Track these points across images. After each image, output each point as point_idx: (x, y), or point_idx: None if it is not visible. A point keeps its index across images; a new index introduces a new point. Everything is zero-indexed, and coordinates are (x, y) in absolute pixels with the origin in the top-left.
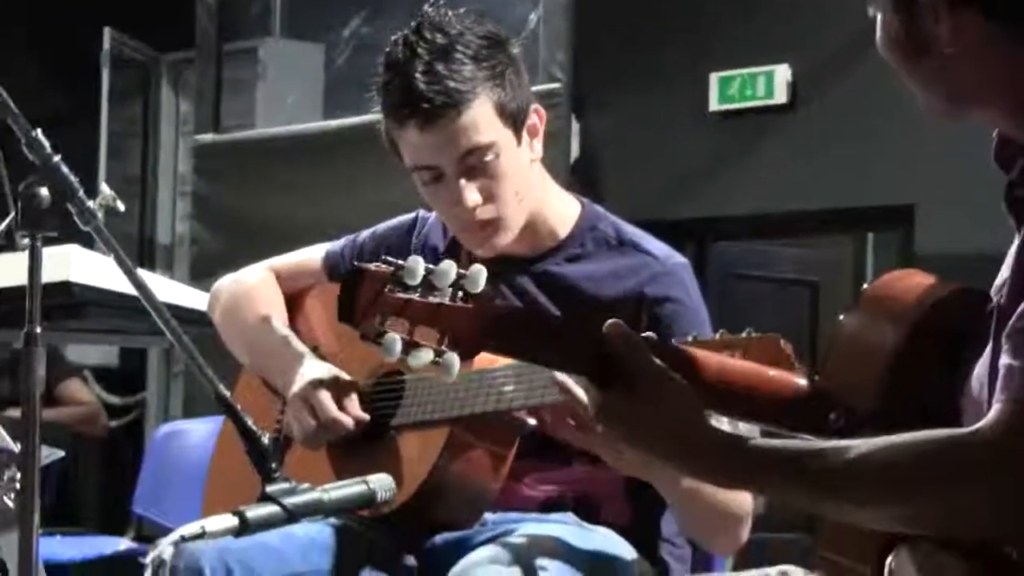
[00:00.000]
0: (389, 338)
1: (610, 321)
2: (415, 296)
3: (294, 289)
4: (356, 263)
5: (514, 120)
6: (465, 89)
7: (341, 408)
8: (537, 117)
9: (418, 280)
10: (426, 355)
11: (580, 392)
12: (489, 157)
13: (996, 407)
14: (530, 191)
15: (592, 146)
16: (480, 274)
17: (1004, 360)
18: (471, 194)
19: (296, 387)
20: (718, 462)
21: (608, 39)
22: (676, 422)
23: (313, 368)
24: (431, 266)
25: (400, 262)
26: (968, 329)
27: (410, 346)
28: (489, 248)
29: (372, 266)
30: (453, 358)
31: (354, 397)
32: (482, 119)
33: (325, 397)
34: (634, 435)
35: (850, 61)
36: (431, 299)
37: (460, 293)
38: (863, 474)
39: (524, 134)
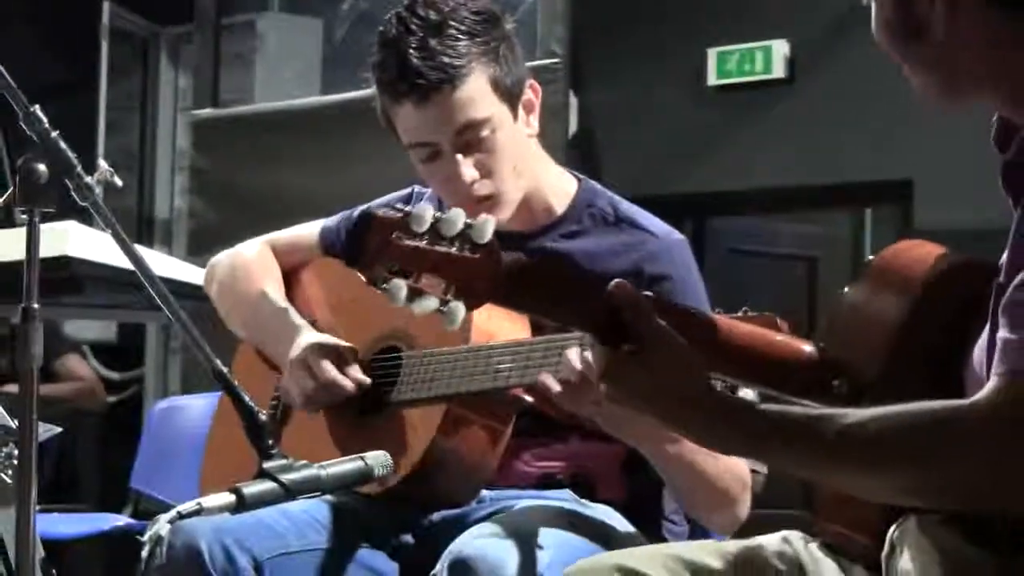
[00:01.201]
0: (395, 284)
1: (616, 280)
2: (422, 243)
3: (290, 264)
4: (365, 210)
5: (509, 95)
6: (459, 64)
7: (342, 373)
8: (532, 92)
9: (425, 227)
10: (431, 303)
11: (575, 360)
12: (485, 132)
13: (992, 380)
14: (527, 166)
15: (590, 121)
16: (488, 224)
17: (1000, 333)
18: (468, 169)
19: (295, 352)
20: (719, 425)
21: (606, 14)
22: (679, 383)
23: (313, 336)
24: (439, 214)
25: (408, 208)
26: (975, 300)
27: (415, 293)
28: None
29: (381, 211)
30: (458, 307)
31: (355, 363)
32: (477, 94)
33: (325, 360)
34: (637, 395)
35: (848, 36)
36: (438, 247)
37: (467, 243)
38: (861, 441)
39: (520, 110)
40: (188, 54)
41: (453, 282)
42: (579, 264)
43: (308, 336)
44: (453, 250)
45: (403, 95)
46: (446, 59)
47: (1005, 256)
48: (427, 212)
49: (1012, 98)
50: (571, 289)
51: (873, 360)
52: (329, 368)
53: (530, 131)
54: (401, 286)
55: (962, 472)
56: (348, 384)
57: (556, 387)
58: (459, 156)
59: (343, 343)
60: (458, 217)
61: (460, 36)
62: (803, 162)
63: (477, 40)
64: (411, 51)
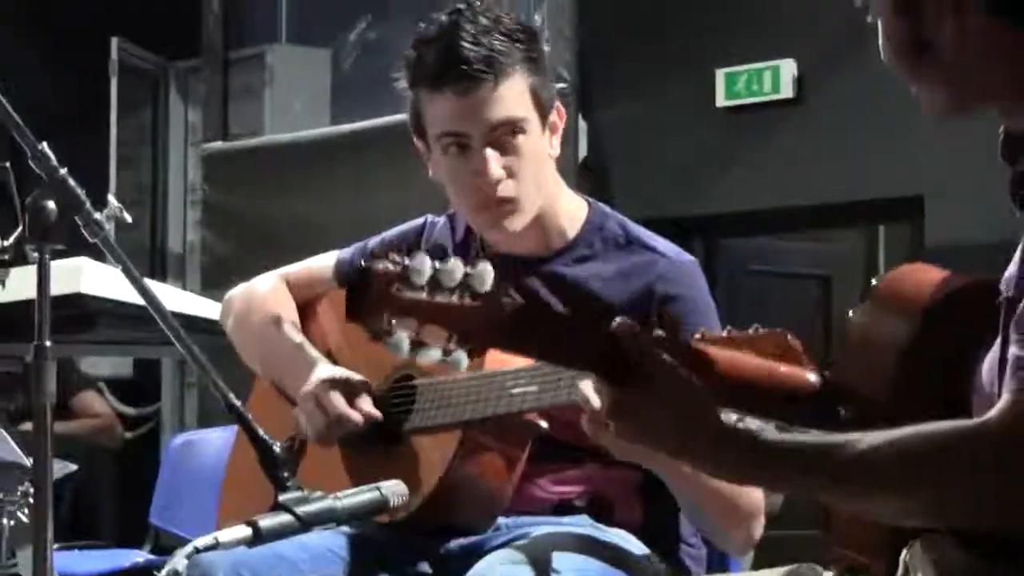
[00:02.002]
0: (397, 337)
1: (619, 319)
2: (422, 295)
3: (306, 297)
4: (363, 262)
5: (542, 108)
6: (506, 62)
7: (352, 406)
8: (558, 115)
9: (425, 279)
10: (434, 353)
11: (592, 394)
12: (518, 134)
13: (1004, 398)
14: (546, 183)
15: (599, 145)
16: (487, 272)
17: (1013, 351)
18: (496, 166)
19: (307, 386)
20: (731, 457)
21: (613, 37)
22: (688, 418)
23: (325, 370)
24: (438, 264)
25: (407, 261)
26: (978, 322)
27: (418, 345)
28: (502, 230)
29: (379, 265)
30: (461, 356)
31: (366, 395)
32: (518, 95)
33: (335, 394)
34: (647, 432)
35: (856, 54)
36: (438, 298)
37: (467, 292)
38: (873, 466)
39: (547, 126)
40: (197, 88)
41: (455, 332)
42: (583, 298)
43: (321, 370)
44: (453, 300)
45: (446, 83)
46: (495, 54)
47: (1012, 269)
48: (426, 264)
49: (1021, 110)
50: (573, 331)
51: (878, 386)
52: (339, 401)
53: (552, 151)
54: (403, 339)
55: (973, 491)
56: (357, 417)
57: (596, 401)
58: (488, 151)
59: (354, 375)
60: (457, 267)
61: (507, 40)
62: (813, 181)
63: (521, 48)
64: (463, 41)
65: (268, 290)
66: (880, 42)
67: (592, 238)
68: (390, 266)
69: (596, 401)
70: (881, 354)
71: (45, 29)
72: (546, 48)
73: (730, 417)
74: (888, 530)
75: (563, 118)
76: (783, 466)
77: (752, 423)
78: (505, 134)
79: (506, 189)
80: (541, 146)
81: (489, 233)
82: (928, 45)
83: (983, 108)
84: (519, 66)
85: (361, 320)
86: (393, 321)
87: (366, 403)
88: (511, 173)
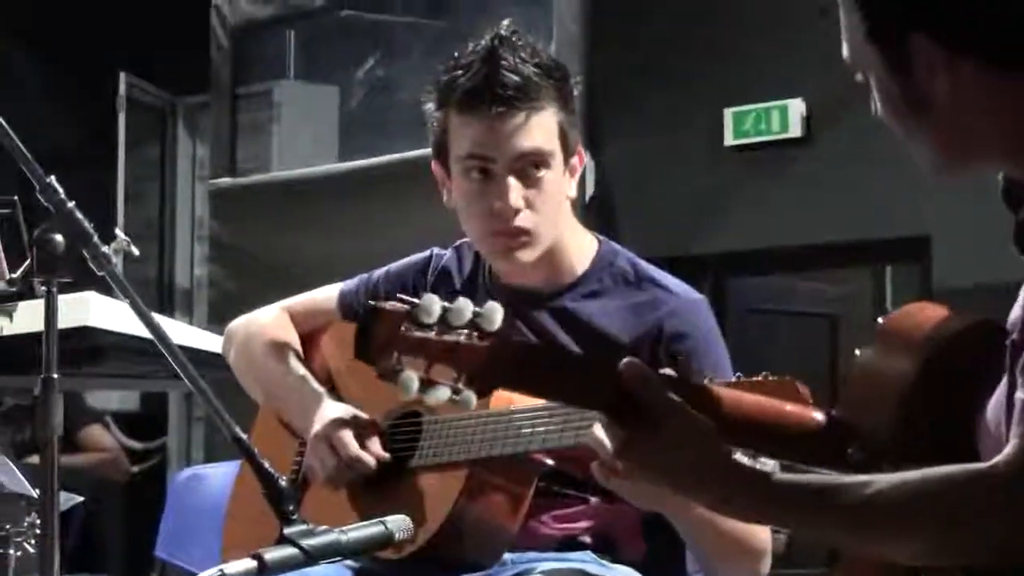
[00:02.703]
0: (406, 376)
1: (626, 360)
2: (431, 335)
3: (309, 329)
4: (372, 302)
5: (567, 147)
6: (541, 95)
7: (363, 447)
8: (579, 158)
9: (434, 318)
10: (443, 393)
11: (602, 435)
12: (541, 168)
13: (1013, 442)
14: (560, 220)
15: (607, 183)
16: (495, 312)
17: (1020, 395)
18: (516, 195)
19: (317, 427)
20: (741, 497)
21: (622, 76)
22: (698, 458)
23: (333, 408)
24: (447, 304)
25: (416, 300)
26: (983, 362)
27: (427, 384)
28: (513, 260)
29: (388, 305)
30: (470, 396)
31: (375, 436)
32: (548, 129)
33: (347, 435)
34: (657, 473)
35: (863, 93)
36: (447, 338)
37: (476, 331)
38: (882, 509)
39: (567, 167)
40: (205, 123)
41: (464, 371)
42: (593, 337)
43: (328, 410)
44: (462, 339)
45: (480, 104)
46: (532, 85)
47: (1018, 312)
48: (435, 303)
49: (1018, 159)
50: (581, 372)
51: (885, 425)
52: (352, 444)
53: (569, 192)
54: (413, 378)
55: (986, 534)
56: (370, 460)
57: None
58: (511, 179)
59: (361, 415)
60: (466, 307)
61: (544, 74)
62: (821, 220)
63: (555, 84)
64: (503, 66)
65: (270, 321)
66: (874, 98)
67: (602, 274)
68: (399, 306)
69: (606, 442)
70: (887, 392)
71: (54, 64)
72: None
73: (743, 458)
74: (894, 566)
75: (583, 162)
76: (793, 504)
77: (767, 463)
78: (529, 165)
79: (523, 220)
80: (561, 184)
81: (498, 262)
82: (923, 100)
83: (982, 162)
84: (552, 102)
85: (370, 359)
86: (403, 360)
87: (375, 445)
88: (529, 204)
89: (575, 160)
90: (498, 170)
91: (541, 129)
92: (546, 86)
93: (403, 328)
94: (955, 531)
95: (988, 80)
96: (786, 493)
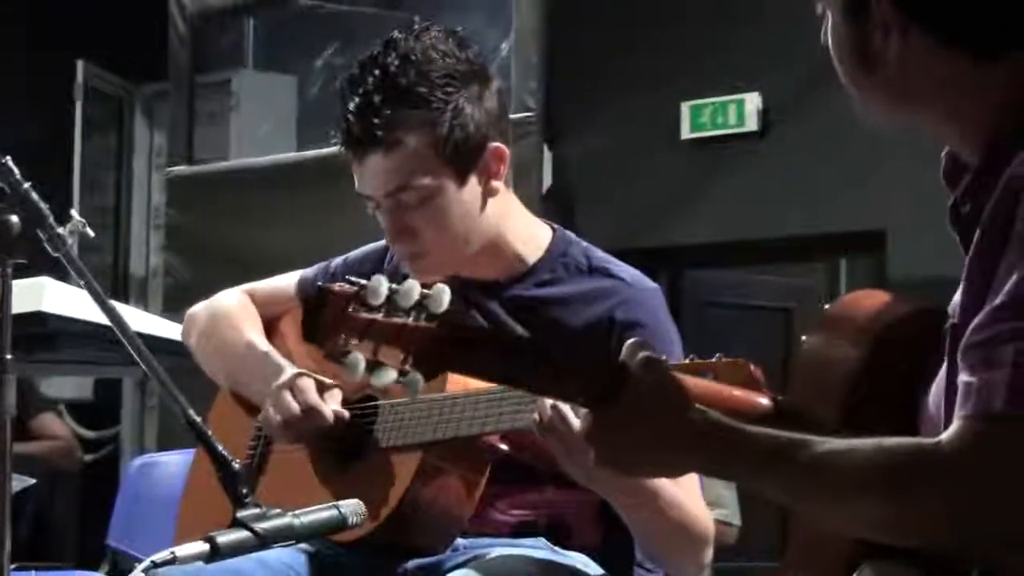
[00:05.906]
0: (353, 357)
1: (632, 340)
2: (378, 316)
3: (269, 314)
4: (320, 284)
5: (457, 159)
6: (393, 132)
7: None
8: (495, 158)
9: (381, 300)
10: (390, 374)
11: (571, 415)
12: (416, 197)
13: (956, 423)
14: (477, 228)
15: (564, 175)
16: (443, 294)
17: (962, 377)
18: (392, 229)
19: (282, 379)
20: (713, 446)
21: (580, 68)
22: (666, 421)
23: (297, 369)
24: (394, 286)
25: (363, 281)
26: (926, 347)
27: (374, 365)
28: (424, 278)
29: (336, 286)
30: (417, 378)
31: (336, 394)
32: (411, 161)
33: (309, 384)
34: (627, 449)
35: (820, 88)
36: (394, 319)
37: (424, 313)
38: (834, 468)
39: (473, 175)
40: (163, 112)
41: (410, 353)
42: (543, 327)
43: (292, 368)
44: (409, 321)
45: (346, 147)
46: (380, 125)
47: (958, 297)
48: (382, 285)
49: (961, 137)
50: (531, 356)
51: (830, 410)
52: (312, 392)
53: (491, 193)
54: (359, 359)
55: (927, 511)
56: (328, 413)
57: (575, 423)
58: (387, 215)
59: (327, 380)
60: (413, 288)
61: (404, 100)
62: (777, 214)
63: (431, 103)
64: (351, 109)
65: (234, 303)
66: (825, 32)
67: (554, 264)
68: (347, 287)
69: (576, 423)
70: (833, 377)
71: (10, 51)
72: (506, 81)
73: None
74: (840, 552)
75: (505, 157)
76: (747, 460)
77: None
78: (406, 196)
79: (413, 246)
80: (458, 199)
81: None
82: (874, 61)
83: (918, 118)
84: (416, 129)
85: (317, 340)
86: (349, 342)
87: (336, 399)
88: (416, 232)
89: (485, 160)
90: (381, 206)
91: (404, 162)
92: (402, 119)
93: (351, 309)
94: (900, 501)
95: (938, 59)
96: (744, 447)
